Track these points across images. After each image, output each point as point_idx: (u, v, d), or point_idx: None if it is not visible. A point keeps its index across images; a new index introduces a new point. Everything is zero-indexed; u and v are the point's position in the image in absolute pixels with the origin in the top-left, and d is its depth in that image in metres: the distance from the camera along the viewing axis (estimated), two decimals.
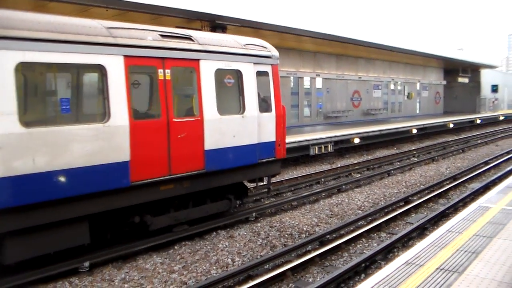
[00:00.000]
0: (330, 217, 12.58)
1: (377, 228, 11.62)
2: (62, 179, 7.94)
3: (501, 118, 48.70)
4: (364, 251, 10.12)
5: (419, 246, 7.28)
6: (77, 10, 14.81)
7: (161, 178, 9.48)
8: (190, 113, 10.32)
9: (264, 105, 11.95)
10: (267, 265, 9.10)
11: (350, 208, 13.46)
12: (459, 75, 49.22)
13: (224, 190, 11.44)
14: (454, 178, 17.98)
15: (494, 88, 49.92)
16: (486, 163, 21.79)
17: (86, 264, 8.80)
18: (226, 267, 9.10)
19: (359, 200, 14.32)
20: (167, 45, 9.75)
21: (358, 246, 10.56)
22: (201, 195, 10.89)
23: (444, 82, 50.15)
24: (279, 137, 12.22)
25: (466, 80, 50.38)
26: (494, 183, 16.30)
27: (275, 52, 12.39)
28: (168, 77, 9.65)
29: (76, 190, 8.16)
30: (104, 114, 8.59)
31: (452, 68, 47.92)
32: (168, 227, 10.35)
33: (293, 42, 25.98)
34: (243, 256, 9.63)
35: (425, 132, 33.26)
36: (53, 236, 8.27)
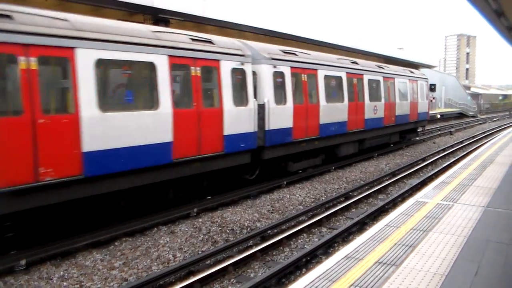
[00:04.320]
0: (272, 212, 12.63)
1: (318, 223, 11.75)
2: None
3: (438, 116, 50.37)
4: (305, 246, 10.22)
5: (359, 240, 7.41)
6: None
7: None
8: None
9: (426, 97, 29.23)
10: (209, 261, 9.04)
11: (291, 203, 13.56)
12: None
13: (414, 129, 29.32)
14: (393, 174, 18.46)
15: (432, 87, 51.33)
16: (423, 159, 22.54)
17: (23, 262, 8.44)
18: (168, 263, 8.98)
19: (300, 195, 14.45)
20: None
21: (299, 241, 10.65)
22: (409, 131, 28.17)
23: None
24: (428, 110, 29.89)
25: None
26: (431, 179, 16.86)
27: (427, 76, 29.99)
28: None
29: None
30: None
31: None
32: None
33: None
34: (185, 251, 9.54)
35: None
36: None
